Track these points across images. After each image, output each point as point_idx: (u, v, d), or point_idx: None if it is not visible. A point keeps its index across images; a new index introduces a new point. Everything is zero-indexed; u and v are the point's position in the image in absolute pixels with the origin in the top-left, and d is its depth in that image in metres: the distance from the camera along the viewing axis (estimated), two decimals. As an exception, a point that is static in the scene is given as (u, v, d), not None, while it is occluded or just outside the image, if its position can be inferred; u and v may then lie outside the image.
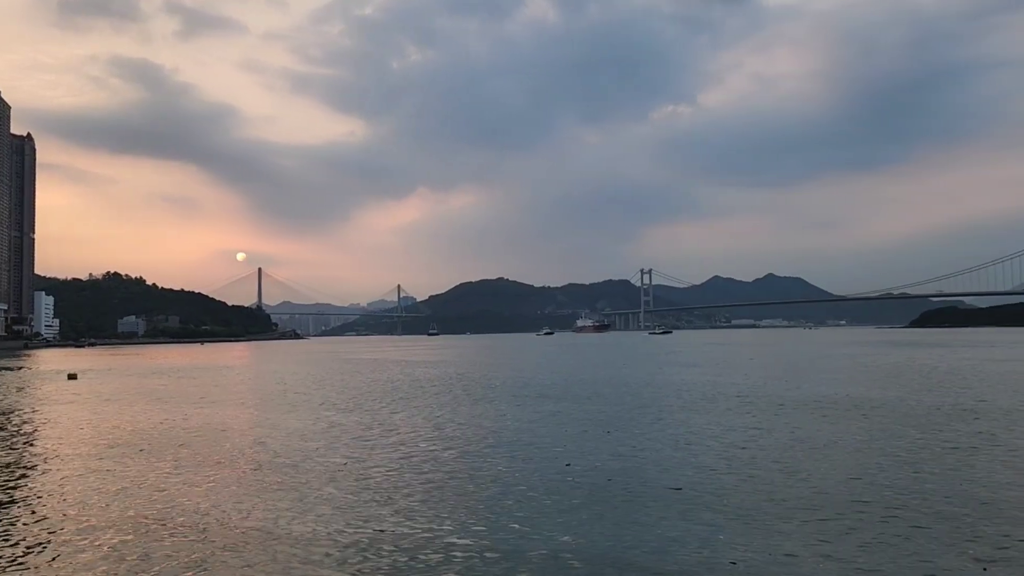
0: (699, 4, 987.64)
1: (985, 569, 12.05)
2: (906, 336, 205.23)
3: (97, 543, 14.30)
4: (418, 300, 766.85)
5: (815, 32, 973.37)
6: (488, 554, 13.37)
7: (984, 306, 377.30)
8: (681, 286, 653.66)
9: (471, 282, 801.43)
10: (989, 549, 13.07)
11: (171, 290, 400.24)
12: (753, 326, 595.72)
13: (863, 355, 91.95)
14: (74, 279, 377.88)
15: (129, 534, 14.89)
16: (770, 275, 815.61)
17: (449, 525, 15.30)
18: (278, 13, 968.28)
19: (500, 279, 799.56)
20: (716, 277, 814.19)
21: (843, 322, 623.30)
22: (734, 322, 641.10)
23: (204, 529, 15.18)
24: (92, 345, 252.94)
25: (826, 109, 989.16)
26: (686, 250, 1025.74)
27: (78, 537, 14.74)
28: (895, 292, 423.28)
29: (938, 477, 18.98)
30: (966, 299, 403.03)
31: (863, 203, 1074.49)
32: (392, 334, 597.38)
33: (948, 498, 16.72)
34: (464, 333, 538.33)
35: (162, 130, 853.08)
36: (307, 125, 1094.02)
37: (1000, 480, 18.52)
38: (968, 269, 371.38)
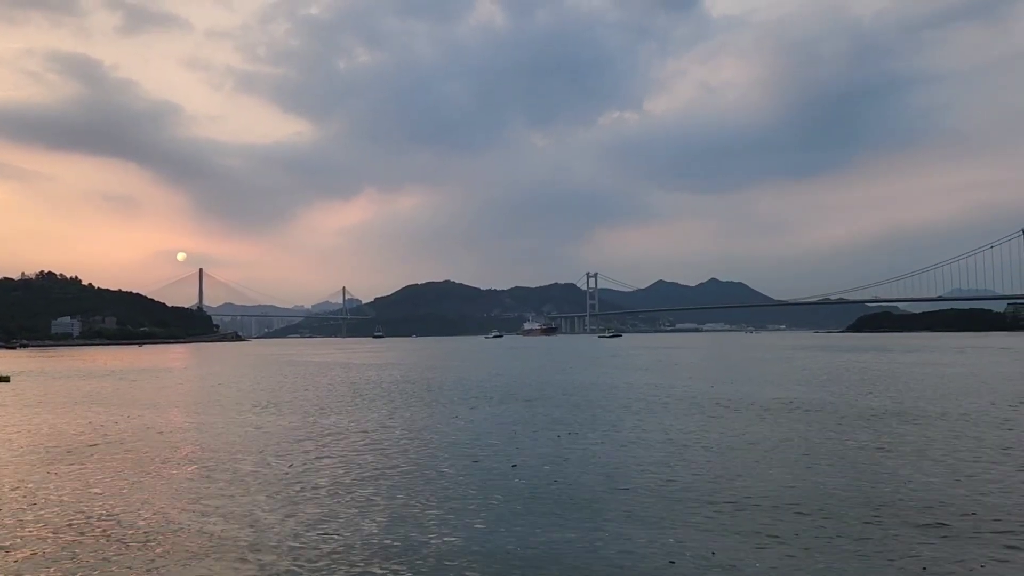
0: (645, 13, 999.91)
1: (924, 568, 12.45)
2: (843, 340, 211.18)
3: (34, 551, 13.88)
4: (363, 302, 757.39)
5: (759, 42, 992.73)
6: (429, 555, 13.40)
7: (917, 311, 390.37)
8: (626, 290, 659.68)
9: (417, 284, 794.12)
10: (930, 549, 13.55)
11: (108, 290, 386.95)
12: (696, 330, 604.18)
13: (803, 358, 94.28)
14: (5, 278, 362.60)
15: (67, 541, 14.47)
16: (713, 280, 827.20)
17: (392, 527, 15.29)
18: (223, 11, 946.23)
19: (447, 281, 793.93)
20: (660, 281, 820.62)
21: (783, 326, 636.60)
22: (678, 326, 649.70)
23: (146, 535, 14.85)
24: (24, 346, 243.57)
25: (769, 118, 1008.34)
26: (631, 254, 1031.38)
27: (14, 546, 14.28)
28: (833, 297, 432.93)
29: (878, 478, 19.62)
30: (900, 304, 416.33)
31: (803, 210, 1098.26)
32: (336, 336, 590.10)
33: (888, 499, 17.30)
34: (410, 335, 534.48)
35: (102, 127, 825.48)
36: (253, 124, 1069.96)
37: (939, 481, 19.21)
38: (902, 276, 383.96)
